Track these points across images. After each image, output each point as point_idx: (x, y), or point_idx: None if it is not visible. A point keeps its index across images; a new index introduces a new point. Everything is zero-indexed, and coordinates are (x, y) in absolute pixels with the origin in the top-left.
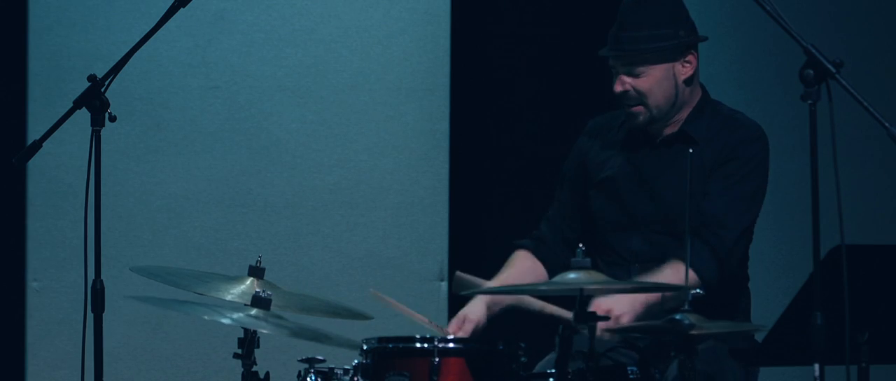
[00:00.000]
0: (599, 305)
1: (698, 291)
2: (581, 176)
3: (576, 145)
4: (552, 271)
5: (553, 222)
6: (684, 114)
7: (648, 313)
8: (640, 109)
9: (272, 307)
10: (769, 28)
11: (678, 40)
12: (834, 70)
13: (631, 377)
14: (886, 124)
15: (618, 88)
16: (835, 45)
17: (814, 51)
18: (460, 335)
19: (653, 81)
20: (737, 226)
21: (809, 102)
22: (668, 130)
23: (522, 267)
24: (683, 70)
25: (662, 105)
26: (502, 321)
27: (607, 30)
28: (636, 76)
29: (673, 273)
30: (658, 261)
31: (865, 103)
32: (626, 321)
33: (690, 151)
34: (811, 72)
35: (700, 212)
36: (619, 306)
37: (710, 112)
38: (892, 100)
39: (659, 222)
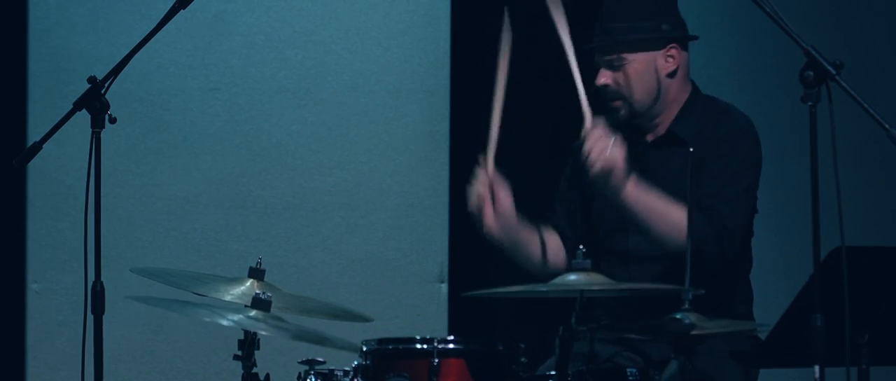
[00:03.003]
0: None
1: (701, 291)
2: (577, 185)
3: (571, 151)
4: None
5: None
6: (671, 113)
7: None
8: (619, 103)
9: (272, 309)
10: (769, 29)
11: (659, 34)
12: (834, 72)
13: (630, 379)
14: (887, 126)
15: (599, 80)
16: (835, 46)
17: (814, 52)
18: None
19: (632, 73)
20: (733, 198)
21: (809, 103)
22: (656, 132)
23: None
24: (666, 65)
25: (643, 99)
26: (503, 323)
27: None
28: (615, 69)
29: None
30: (654, 259)
31: (866, 105)
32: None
33: (690, 150)
34: (811, 73)
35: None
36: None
37: (700, 109)
38: (893, 101)
39: None
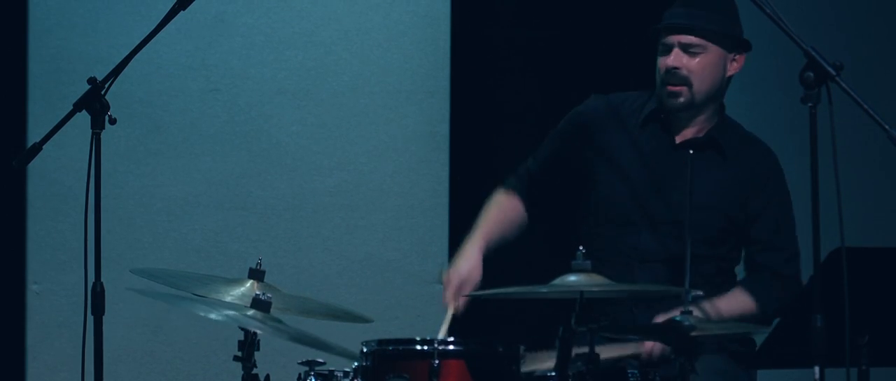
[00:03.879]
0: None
1: (701, 293)
2: (579, 137)
3: (586, 107)
4: (530, 209)
5: (541, 162)
6: (706, 118)
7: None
8: (682, 89)
9: (272, 310)
10: (769, 30)
11: (737, 32)
12: (834, 73)
13: (630, 379)
14: (887, 127)
15: (670, 61)
16: (835, 47)
17: (814, 53)
18: (459, 302)
19: (705, 63)
20: (793, 244)
21: (809, 104)
22: (690, 132)
23: (500, 215)
24: (732, 66)
25: (705, 92)
26: (503, 324)
27: (606, 32)
28: (691, 55)
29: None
30: (663, 262)
31: (866, 106)
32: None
33: (690, 152)
34: (811, 74)
35: (752, 246)
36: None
37: (730, 127)
38: (893, 102)
39: (670, 224)
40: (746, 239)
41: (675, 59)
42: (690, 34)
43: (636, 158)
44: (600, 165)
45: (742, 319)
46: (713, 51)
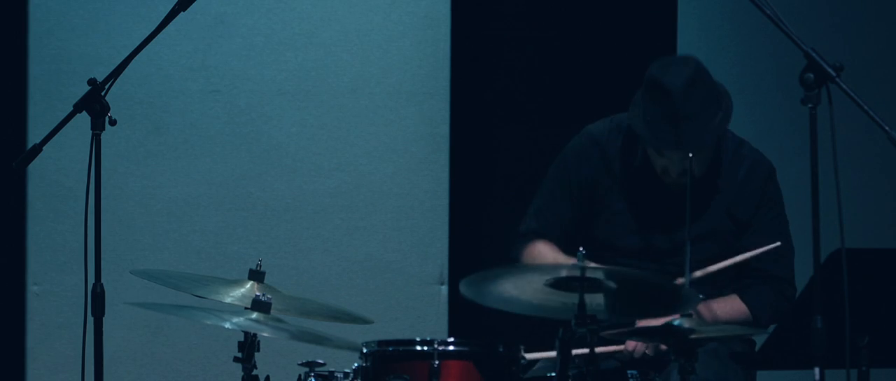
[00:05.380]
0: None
1: (700, 296)
2: (571, 197)
3: (574, 158)
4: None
5: (552, 223)
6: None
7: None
8: (682, 177)
9: (272, 311)
10: (769, 32)
11: (725, 123)
12: (834, 74)
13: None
14: (886, 128)
15: (674, 173)
16: (835, 48)
17: (814, 55)
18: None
19: (702, 156)
20: (786, 253)
21: (810, 105)
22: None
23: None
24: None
25: (704, 166)
26: (503, 324)
27: (607, 32)
28: (696, 162)
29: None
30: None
31: (866, 107)
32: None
33: (690, 155)
34: (811, 75)
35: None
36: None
37: (724, 150)
38: (893, 103)
39: (674, 254)
40: (739, 245)
41: (674, 165)
42: (690, 150)
43: (628, 200)
44: (595, 207)
45: (736, 323)
46: (716, 144)
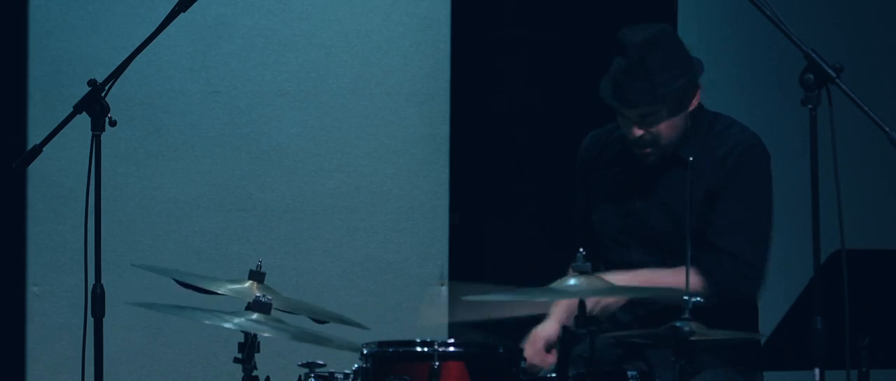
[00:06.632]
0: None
1: (698, 299)
2: (587, 189)
3: (584, 152)
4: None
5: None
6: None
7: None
8: (649, 150)
9: (272, 312)
10: (769, 32)
11: (693, 80)
12: (834, 74)
13: (630, 380)
14: (887, 129)
15: (635, 133)
16: (835, 49)
17: (814, 55)
18: (537, 360)
19: (666, 124)
20: (751, 232)
21: (810, 106)
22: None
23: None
24: (695, 98)
25: (674, 140)
26: (503, 324)
27: (607, 33)
28: (649, 123)
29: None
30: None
31: (866, 108)
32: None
33: (690, 158)
34: (811, 76)
35: (711, 228)
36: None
37: (705, 127)
38: (893, 104)
39: (656, 238)
40: (711, 224)
41: (637, 131)
42: (644, 109)
43: (617, 184)
44: (593, 196)
45: (671, 293)
46: (670, 108)
